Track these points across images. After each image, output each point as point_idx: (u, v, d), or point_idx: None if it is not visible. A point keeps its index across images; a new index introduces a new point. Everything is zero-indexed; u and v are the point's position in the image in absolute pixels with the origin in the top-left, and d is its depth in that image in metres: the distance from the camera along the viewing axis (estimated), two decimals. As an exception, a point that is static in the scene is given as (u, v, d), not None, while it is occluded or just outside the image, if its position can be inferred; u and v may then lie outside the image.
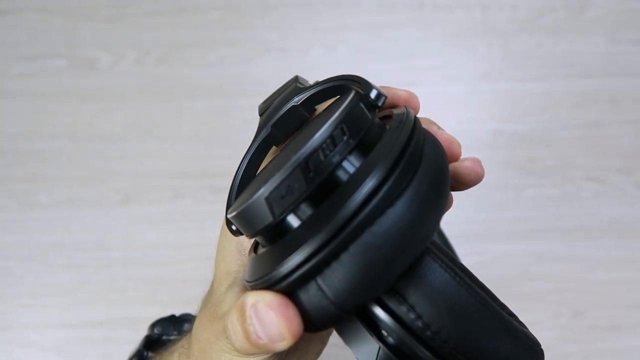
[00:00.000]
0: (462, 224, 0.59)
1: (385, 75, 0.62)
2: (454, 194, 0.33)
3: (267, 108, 0.30)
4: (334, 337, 0.38)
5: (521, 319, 0.27)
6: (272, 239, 0.23)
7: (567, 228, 0.60)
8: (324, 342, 0.35)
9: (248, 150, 0.29)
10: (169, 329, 0.42)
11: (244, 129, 0.61)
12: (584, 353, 0.57)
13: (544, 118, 0.62)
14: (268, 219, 0.22)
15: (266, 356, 0.25)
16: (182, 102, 0.62)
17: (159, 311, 0.44)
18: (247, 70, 0.62)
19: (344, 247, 0.20)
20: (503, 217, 0.60)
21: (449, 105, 0.62)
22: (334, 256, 0.20)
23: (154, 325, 0.42)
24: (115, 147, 0.61)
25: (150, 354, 0.39)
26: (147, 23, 0.63)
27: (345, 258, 0.20)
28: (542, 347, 0.25)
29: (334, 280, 0.20)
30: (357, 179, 0.21)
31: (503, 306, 0.29)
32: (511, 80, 0.62)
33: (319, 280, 0.21)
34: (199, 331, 0.29)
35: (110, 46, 0.63)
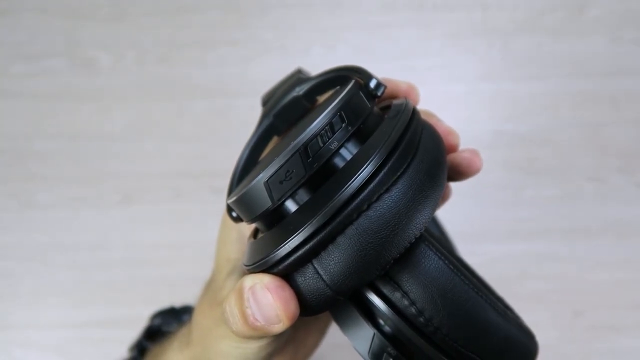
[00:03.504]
0: (461, 223, 0.60)
1: (385, 75, 0.62)
2: (454, 191, 0.33)
3: (270, 98, 0.30)
4: (334, 338, 0.38)
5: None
6: (271, 223, 0.23)
7: (567, 228, 0.60)
8: (322, 333, 0.35)
9: (250, 139, 0.30)
10: (169, 320, 0.42)
11: (244, 129, 0.61)
12: (584, 353, 0.57)
13: (544, 118, 0.62)
14: (267, 203, 0.22)
15: (265, 341, 0.25)
16: (182, 102, 0.62)
17: (159, 311, 0.45)
18: (247, 70, 0.62)
19: (340, 230, 0.20)
20: (503, 217, 0.60)
21: (449, 105, 0.62)
22: (330, 239, 0.21)
23: (154, 316, 0.43)
24: (115, 147, 0.61)
25: (150, 344, 0.39)
26: (147, 23, 0.63)
27: (342, 241, 0.20)
28: (542, 347, 0.25)
29: (330, 263, 0.21)
30: (355, 164, 0.21)
31: (500, 298, 0.29)
32: (511, 80, 0.62)
33: (315, 263, 0.21)
34: (199, 318, 0.30)
35: (110, 46, 0.63)
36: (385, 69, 0.63)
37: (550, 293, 0.58)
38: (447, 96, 0.62)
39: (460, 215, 0.59)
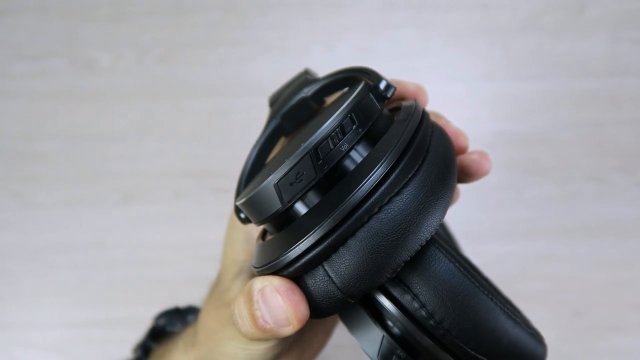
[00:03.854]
0: (462, 224, 0.59)
1: (385, 75, 0.62)
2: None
3: (277, 99, 0.30)
4: (337, 338, 0.38)
5: (521, 319, 0.27)
6: (280, 225, 0.23)
7: (567, 228, 0.60)
8: (328, 334, 0.35)
9: (257, 140, 0.29)
10: (174, 321, 0.42)
11: (244, 129, 0.61)
12: (584, 353, 0.57)
13: (544, 118, 0.62)
14: (277, 205, 0.22)
15: (272, 343, 0.25)
16: (182, 101, 0.62)
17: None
18: (247, 70, 0.62)
19: (351, 233, 0.20)
20: (503, 217, 0.60)
21: (449, 105, 0.62)
22: (341, 242, 0.20)
23: (158, 317, 0.43)
24: (115, 147, 0.61)
25: (154, 345, 0.39)
26: (147, 23, 0.63)
27: (352, 244, 0.20)
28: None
29: (341, 266, 0.21)
30: (366, 167, 0.21)
31: (508, 300, 0.29)
32: (511, 80, 0.62)
33: (326, 265, 0.21)
34: (205, 319, 0.29)
35: (110, 46, 0.63)
36: (385, 69, 0.63)
37: (550, 293, 0.58)
38: (447, 96, 0.62)
39: (460, 215, 0.59)
